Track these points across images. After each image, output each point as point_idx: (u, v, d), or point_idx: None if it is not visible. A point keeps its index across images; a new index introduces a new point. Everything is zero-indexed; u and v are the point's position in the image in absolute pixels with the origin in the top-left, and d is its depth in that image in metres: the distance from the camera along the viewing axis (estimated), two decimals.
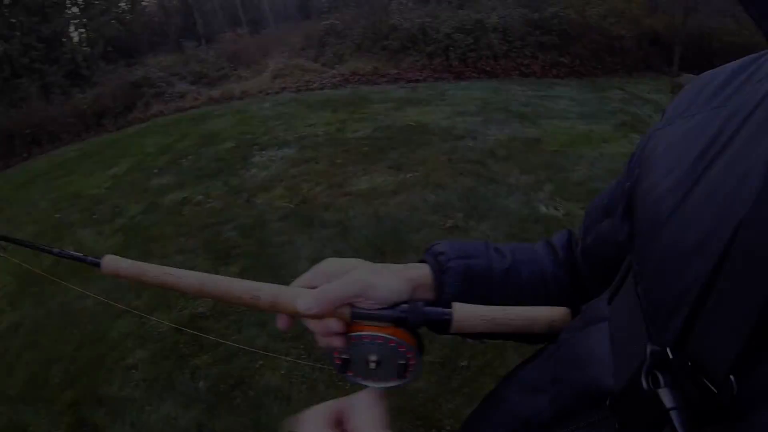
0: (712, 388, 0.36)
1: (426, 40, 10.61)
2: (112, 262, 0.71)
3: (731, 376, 0.35)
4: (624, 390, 0.45)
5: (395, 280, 0.63)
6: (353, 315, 0.62)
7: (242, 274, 3.64)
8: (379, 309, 0.62)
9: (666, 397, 0.39)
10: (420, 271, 0.68)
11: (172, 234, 4.55)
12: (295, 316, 0.63)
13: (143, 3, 18.96)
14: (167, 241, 4.41)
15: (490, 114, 7.38)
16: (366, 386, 0.68)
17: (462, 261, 0.69)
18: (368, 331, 0.63)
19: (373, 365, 0.65)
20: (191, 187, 5.62)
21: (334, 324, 0.62)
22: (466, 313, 0.63)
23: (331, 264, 0.64)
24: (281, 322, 0.64)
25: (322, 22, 13.37)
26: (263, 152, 6.42)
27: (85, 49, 14.20)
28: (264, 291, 0.64)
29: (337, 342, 0.63)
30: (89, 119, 10.67)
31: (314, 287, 0.62)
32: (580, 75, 10.16)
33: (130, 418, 2.70)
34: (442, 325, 0.63)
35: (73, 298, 3.80)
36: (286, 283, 0.65)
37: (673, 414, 0.38)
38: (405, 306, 0.63)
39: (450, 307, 0.63)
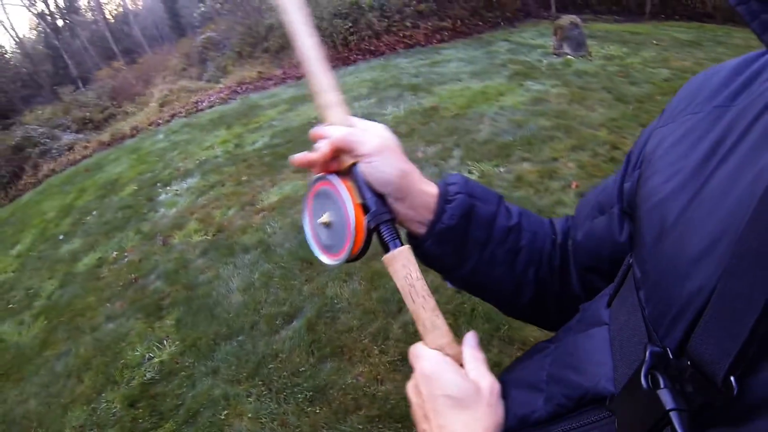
0: (712, 388, 0.37)
1: None
2: None
3: (731, 377, 0.36)
4: (624, 390, 0.46)
5: (396, 171, 0.65)
6: (350, 170, 0.66)
7: (178, 324, 3.61)
8: (366, 183, 0.65)
9: (666, 398, 0.40)
10: (430, 189, 0.68)
11: (96, 303, 4.34)
12: (321, 121, 0.69)
13: (5, 56, 17.79)
14: (94, 312, 4.20)
15: (382, 93, 7.43)
16: (304, 230, 0.74)
17: (469, 199, 0.68)
18: (348, 195, 0.65)
19: (326, 219, 0.69)
20: (103, 245, 5.40)
21: (332, 163, 0.67)
22: (401, 260, 0.63)
23: (376, 126, 0.68)
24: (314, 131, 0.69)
25: (198, 38, 13.03)
26: (168, 188, 6.26)
27: None
28: (327, 96, 0.69)
29: (318, 168, 0.68)
30: None
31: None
32: (464, 35, 10.42)
33: None
34: (384, 247, 0.65)
35: (12, 406, 3.53)
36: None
37: (673, 415, 0.39)
38: (380, 202, 0.65)
39: (405, 243, 0.65)
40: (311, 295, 3.49)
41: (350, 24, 10.36)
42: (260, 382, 2.91)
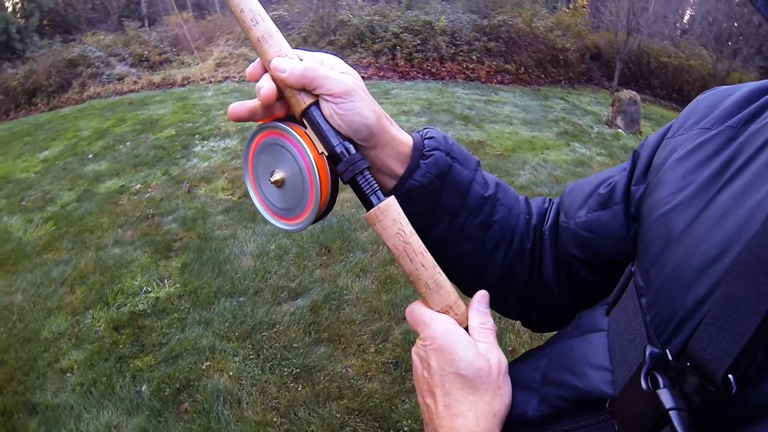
0: (711, 387, 0.37)
1: (373, 38, 10.68)
2: None
3: (730, 376, 0.36)
4: (623, 392, 0.45)
5: (371, 114, 0.56)
6: (308, 113, 0.56)
7: (184, 269, 3.64)
8: (330, 126, 0.55)
9: (665, 398, 0.39)
10: (404, 138, 0.61)
11: (108, 225, 4.40)
12: (266, 68, 0.56)
13: None
14: (103, 233, 4.26)
15: (434, 115, 7.49)
16: (249, 194, 0.62)
17: (448, 158, 0.62)
18: (304, 141, 0.55)
19: (278, 177, 0.58)
20: (129, 175, 5.47)
21: (278, 106, 0.57)
22: (391, 214, 0.55)
23: (334, 59, 0.58)
24: (250, 68, 0.58)
25: (269, 13, 13.18)
26: (205, 142, 6.33)
27: (19, 20, 13.51)
28: (263, 25, 0.56)
29: (260, 116, 0.57)
30: (20, 96, 10.23)
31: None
32: (524, 83, 10.51)
33: (66, 427, 2.47)
34: (364, 200, 0.57)
35: None
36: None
37: (672, 414, 0.38)
38: (351, 147, 0.56)
39: (387, 196, 0.57)
40: (322, 280, 3.50)
41: (419, 42, 10.48)
42: (250, 346, 2.92)
